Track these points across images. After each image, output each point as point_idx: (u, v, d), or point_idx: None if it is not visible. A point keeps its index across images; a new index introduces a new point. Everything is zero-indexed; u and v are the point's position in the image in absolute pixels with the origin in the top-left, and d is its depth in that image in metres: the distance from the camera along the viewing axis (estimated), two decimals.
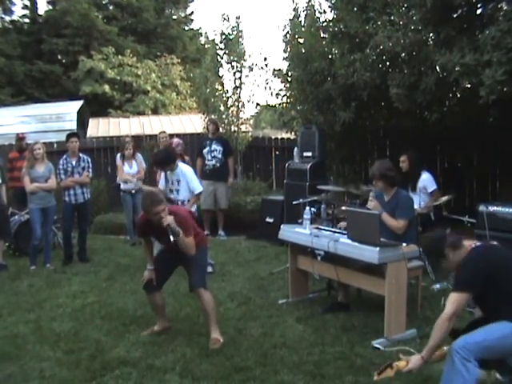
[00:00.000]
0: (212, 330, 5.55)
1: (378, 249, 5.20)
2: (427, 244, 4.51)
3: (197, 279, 5.57)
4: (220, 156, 10.93)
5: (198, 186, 7.88)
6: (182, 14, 32.30)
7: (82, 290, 7.47)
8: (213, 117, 13.04)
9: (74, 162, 9.23)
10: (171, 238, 5.24)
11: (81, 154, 9.40)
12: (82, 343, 5.59)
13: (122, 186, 10.40)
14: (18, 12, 30.22)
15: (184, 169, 7.82)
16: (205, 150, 11.00)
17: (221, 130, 13.05)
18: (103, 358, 5.22)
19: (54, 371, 4.88)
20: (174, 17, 31.47)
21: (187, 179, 7.73)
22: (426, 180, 7.87)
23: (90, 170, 9.41)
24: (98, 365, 5.05)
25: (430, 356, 3.82)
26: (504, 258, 3.99)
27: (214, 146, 10.95)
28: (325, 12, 10.51)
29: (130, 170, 10.31)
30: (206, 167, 10.95)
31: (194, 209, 7.75)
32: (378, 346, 5.16)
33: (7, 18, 29.19)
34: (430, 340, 3.83)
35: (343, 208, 7.11)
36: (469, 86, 7.50)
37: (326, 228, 6.43)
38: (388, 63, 8.48)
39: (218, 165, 10.94)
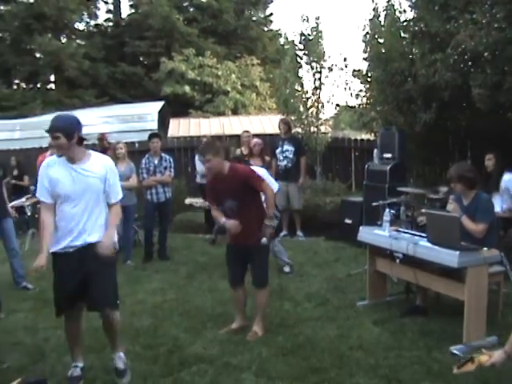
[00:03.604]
0: (255, 323, 5.82)
1: (458, 252, 5.11)
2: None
3: (259, 278, 5.80)
4: (292, 156, 10.85)
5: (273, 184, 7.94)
6: (262, 15, 32.46)
7: (161, 287, 7.62)
8: (293, 118, 13.07)
9: (156, 162, 9.42)
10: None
11: (163, 154, 9.59)
12: (160, 339, 5.71)
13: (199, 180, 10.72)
14: (103, 16, 31.16)
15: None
16: (277, 151, 10.98)
17: (300, 130, 13.10)
18: (181, 354, 5.33)
19: (133, 365, 4.98)
20: (254, 18, 31.67)
21: None
22: (510, 181, 7.64)
23: (172, 169, 9.57)
24: (175, 360, 5.16)
25: None
26: None
27: (286, 147, 10.90)
28: (405, 11, 10.44)
29: None
30: (278, 168, 10.94)
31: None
32: (456, 352, 5.07)
33: (92, 23, 30.16)
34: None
35: (423, 210, 7.01)
36: None
37: (406, 230, 6.36)
38: (470, 63, 8.32)
39: (290, 165, 10.85)
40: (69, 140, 4.42)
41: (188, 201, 9.60)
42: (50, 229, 4.61)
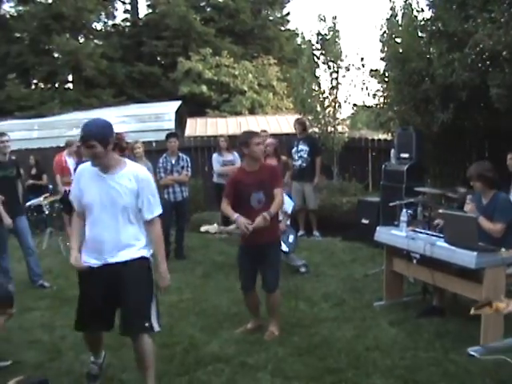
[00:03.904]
0: (271, 324, 5.83)
1: (475, 253, 5.09)
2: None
3: (270, 283, 5.73)
4: (306, 156, 10.87)
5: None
6: (279, 15, 32.41)
7: (177, 287, 7.63)
8: (310, 117, 13.08)
9: (173, 161, 9.49)
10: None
11: (180, 154, 9.66)
12: (176, 338, 5.74)
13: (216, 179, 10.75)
14: (120, 16, 31.26)
15: None
16: (293, 151, 11.04)
17: (317, 130, 13.09)
18: (197, 353, 5.36)
19: None
20: (271, 18, 31.62)
21: None
22: None
23: (189, 169, 9.64)
24: (191, 360, 5.19)
25: None
26: None
27: (300, 146, 10.94)
28: (422, 11, 10.38)
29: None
30: (293, 167, 10.95)
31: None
32: (473, 353, 5.04)
33: (110, 22, 30.30)
34: None
35: (440, 211, 6.98)
36: None
37: (423, 231, 6.34)
38: (488, 62, 8.26)
39: (305, 165, 10.87)
40: (105, 147, 4.12)
41: (204, 228, 9.58)
42: (77, 235, 4.48)
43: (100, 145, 4.08)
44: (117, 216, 4.26)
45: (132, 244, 4.34)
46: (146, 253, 4.43)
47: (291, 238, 7.99)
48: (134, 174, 4.29)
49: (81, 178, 4.35)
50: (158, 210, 4.44)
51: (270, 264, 5.70)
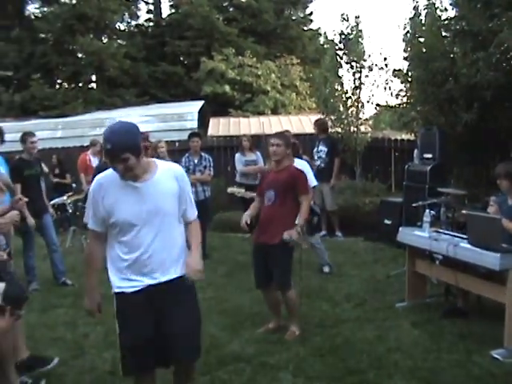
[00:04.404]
0: (291, 324, 5.84)
1: (499, 255, 5.04)
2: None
3: (282, 281, 5.71)
4: (324, 156, 10.87)
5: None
6: (301, 15, 32.35)
7: (199, 286, 7.55)
8: (332, 117, 13.07)
9: (195, 161, 9.51)
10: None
11: (202, 153, 9.68)
12: None
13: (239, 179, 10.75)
14: (143, 16, 31.47)
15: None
16: (314, 151, 11.08)
17: (340, 130, 13.06)
18: (218, 352, 5.36)
19: None
20: (293, 17, 31.58)
21: None
22: None
23: (212, 168, 9.66)
24: (212, 359, 5.18)
25: None
26: None
27: (320, 147, 10.97)
28: (446, 10, 10.31)
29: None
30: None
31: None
32: (497, 356, 4.99)
33: (133, 23, 30.50)
34: None
35: (463, 212, 6.93)
36: None
37: (446, 231, 6.29)
38: None
39: (323, 165, 10.85)
40: (137, 156, 3.49)
41: (230, 190, 9.50)
42: (98, 265, 3.79)
43: (133, 155, 3.45)
44: (158, 227, 3.64)
45: (180, 257, 3.79)
46: None
47: (315, 220, 7.80)
48: (170, 173, 3.75)
49: (105, 194, 3.61)
50: (196, 210, 3.96)
51: (280, 264, 5.65)
